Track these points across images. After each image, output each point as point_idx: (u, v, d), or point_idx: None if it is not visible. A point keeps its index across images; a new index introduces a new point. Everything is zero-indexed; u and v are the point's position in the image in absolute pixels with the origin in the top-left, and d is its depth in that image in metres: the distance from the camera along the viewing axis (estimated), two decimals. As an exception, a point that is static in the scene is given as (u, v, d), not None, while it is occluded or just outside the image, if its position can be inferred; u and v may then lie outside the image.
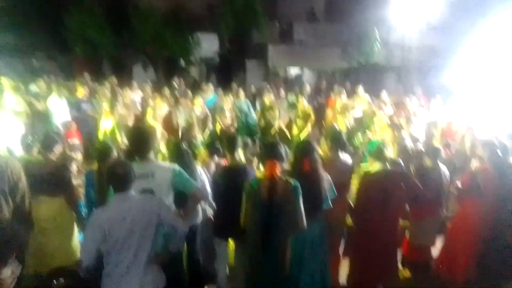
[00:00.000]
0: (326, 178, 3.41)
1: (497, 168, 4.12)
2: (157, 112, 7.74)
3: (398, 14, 15.70)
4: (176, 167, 3.06)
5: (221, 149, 4.24)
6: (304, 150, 3.42)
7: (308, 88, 10.16)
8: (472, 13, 12.89)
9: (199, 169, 3.87)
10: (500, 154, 4.17)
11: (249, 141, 4.84)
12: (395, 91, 10.59)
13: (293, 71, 21.14)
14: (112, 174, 2.64)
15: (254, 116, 8.95)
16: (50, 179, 3.65)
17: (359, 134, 7.57)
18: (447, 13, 14.83)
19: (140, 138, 3.09)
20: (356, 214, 4.04)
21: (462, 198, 4.42)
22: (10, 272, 2.69)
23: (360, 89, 9.07)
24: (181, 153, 3.70)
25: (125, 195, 2.62)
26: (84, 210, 3.82)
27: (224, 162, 4.17)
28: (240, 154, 4.97)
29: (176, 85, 10.69)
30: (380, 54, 17.30)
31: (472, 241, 4.23)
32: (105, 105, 7.43)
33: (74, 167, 4.53)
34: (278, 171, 3.08)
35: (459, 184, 4.40)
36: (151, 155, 3.10)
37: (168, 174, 2.99)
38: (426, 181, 4.15)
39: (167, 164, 3.13)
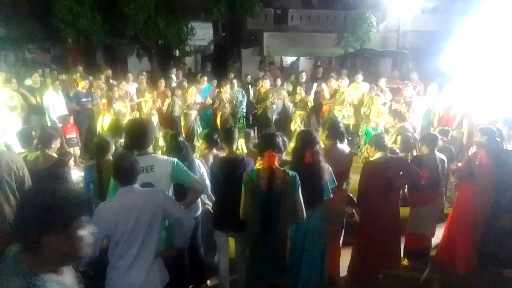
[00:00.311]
0: (327, 168, 3.42)
1: (493, 154, 4.15)
2: (155, 104, 7.72)
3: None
4: (175, 160, 3.06)
5: (219, 141, 4.23)
6: (305, 140, 3.41)
7: (304, 76, 10.13)
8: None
9: (197, 161, 3.87)
10: (497, 139, 4.19)
11: (251, 132, 4.84)
12: (391, 77, 10.53)
13: (289, 58, 21.02)
14: (118, 167, 2.63)
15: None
16: (47, 174, 3.64)
17: (360, 122, 7.60)
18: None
19: (138, 132, 3.07)
20: (359, 203, 4.09)
21: (459, 185, 4.47)
22: None
23: (359, 76, 9.03)
24: (178, 145, 3.69)
25: (130, 189, 2.61)
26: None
27: (223, 154, 4.17)
28: (242, 146, 4.98)
29: (174, 77, 10.60)
30: (376, 40, 17.20)
31: (471, 228, 4.29)
32: (102, 99, 7.38)
33: (71, 163, 4.50)
34: (276, 162, 3.09)
35: (456, 170, 4.44)
36: (150, 148, 3.09)
37: (167, 167, 2.98)
38: (423, 169, 4.19)
39: (165, 157, 3.11)
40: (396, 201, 4.06)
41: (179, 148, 3.66)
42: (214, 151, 4.27)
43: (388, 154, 4.04)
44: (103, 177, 3.51)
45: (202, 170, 3.83)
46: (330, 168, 3.48)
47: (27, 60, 16.87)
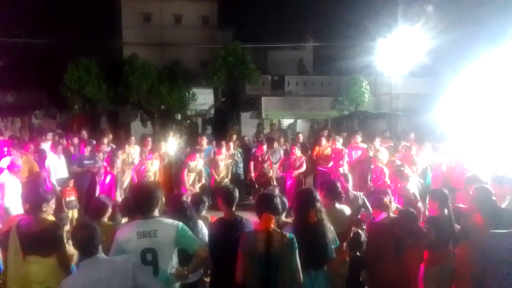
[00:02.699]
0: (329, 227, 3.38)
1: (485, 213, 4.09)
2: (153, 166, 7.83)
3: (384, 63, 16.54)
4: (180, 224, 2.97)
5: (207, 202, 4.22)
6: (307, 200, 3.38)
7: (301, 137, 10.43)
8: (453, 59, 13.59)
9: (200, 222, 3.83)
10: (489, 199, 4.17)
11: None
12: (383, 137, 10.77)
13: (287, 120, 21.67)
14: (76, 237, 2.53)
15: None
16: (41, 238, 3.60)
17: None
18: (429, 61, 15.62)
19: (143, 195, 2.99)
20: (369, 265, 3.94)
21: (458, 243, 4.36)
22: None
23: (358, 137, 9.26)
24: (182, 206, 3.68)
25: (94, 260, 2.50)
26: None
27: (211, 217, 4.14)
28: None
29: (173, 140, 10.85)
30: (370, 102, 17.91)
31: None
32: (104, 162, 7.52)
33: (67, 227, 4.47)
34: (273, 225, 3.05)
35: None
36: (156, 212, 3.01)
37: (171, 231, 2.89)
38: (438, 227, 4.00)
39: (170, 221, 3.00)
40: (409, 261, 3.85)
41: (183, 208, 3.65)
42: (202, 214, 4.18)
43: (391, 214, 3.97)
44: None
45: (205, 231, 3.77)
46: (332, 227, 3.44)
47: (34, 125, 17.37)
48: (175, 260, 2.99)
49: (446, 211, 4.15)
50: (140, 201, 3.00)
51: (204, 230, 3.74)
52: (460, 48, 14.68)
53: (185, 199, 3.81)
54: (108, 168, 7.32)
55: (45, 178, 7.28)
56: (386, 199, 4.09)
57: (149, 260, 2.81)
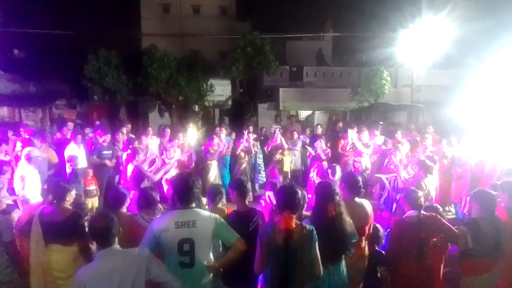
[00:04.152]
0: (349, 221, 3.31)
1: None
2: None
3: (406, 54, 16.08)
4: (217, 216, 2.97)
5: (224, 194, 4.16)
6: (326, 194, 3.31)
7: (320, 129, 10.31)
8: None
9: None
10: None
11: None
12: (408, 129, 10.54)
13: (304, 112, 21.47)
14: (94, 227, 2.51)
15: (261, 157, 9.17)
16: (63, 227, 3.67)
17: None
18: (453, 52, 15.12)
19: (183, 186, 2.99)
20: (389, 262, 3.82)
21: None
22: None
23: (378, 130, 9.13)
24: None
25: (110, 251, 2.49)
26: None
27: (226, 209, 4.09)
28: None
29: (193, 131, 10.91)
30: (390, 94, 17.51)
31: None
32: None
33: (88, 215, 4.54)
34: (293, 224, 2.95)
35: None
36: (194, 203, 3.00)
37: (210, 223, 2.90)
38: (477, 232, 3.62)
39: (208, 213, 3.02)
40: (432, 262, 3.67)
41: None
42: (219, 206, 4.12)
43: (422, 212, 3.66)
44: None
45: None
46: (352, 222, 3.37)
47: (54, 116, 17.77)
48: (211, 252, 2.99)
49: (489, 215, 3.70)
50: (180, 191, 2.99)
51: None
52: (486, 38, 14.15)
53: (197, 190, 3.75)
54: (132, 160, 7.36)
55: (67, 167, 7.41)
56: (421, 198, 3.81)
57: (186, 251, 2.81)
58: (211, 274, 3.01)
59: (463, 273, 3.84)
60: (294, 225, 2.96)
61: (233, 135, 9.65)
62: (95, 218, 2.59)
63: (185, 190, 2.96)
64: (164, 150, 7.97)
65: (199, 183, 3.07)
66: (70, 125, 9.45)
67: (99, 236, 2.51)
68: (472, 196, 4.00)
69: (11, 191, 5.76)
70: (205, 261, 2.87)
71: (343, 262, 3.32)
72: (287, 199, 3.04)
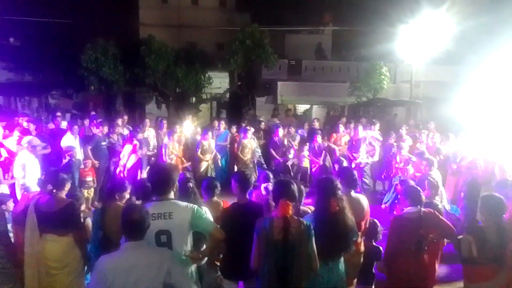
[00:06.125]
0: (350, 217, 3.29)
1: None
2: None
3: (406, 49, 16.03)
4: (195, 207, 2.94)
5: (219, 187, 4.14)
6: (328, 188, 3.28)
7: (317, 123, 10.27)
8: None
9: (204, 208, 3.79)
10: None
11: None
12: (408, 125, 10.53)
13: (302, 106, 21.40)
14: (127, 219, 2.44)
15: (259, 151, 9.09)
16: (58, 217, 3.63)
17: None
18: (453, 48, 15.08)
19: (159, 176, 2.95)
20: (387, 259, 3.80)
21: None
22: None
23: (376, 126, 9.09)
24: (187, 191, 3.64)
25: (137, 245, 2.44)
26: (93, 251, 3.75)
27: (223, 202, 4.06)
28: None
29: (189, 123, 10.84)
30: (389, 89, 17.48)
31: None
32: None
33: (83, 206, 4.51)
34: (290, 211, 2.98)
35: None
36: (171, 194, 2.96)
37: (186, 214, 2.85)
38: (482, 240, 3.48)
39: (185, 203, 2.96)
40: (430, 259, 3.67)
41: (187, 194, 3.62)
42: (214, 199, 4.09)
43: (422, 209, 3.63)
44: (111, 224, 3.47)
45: (209, 217, 3.74)
46: (353, 218, 3.33)
47: (50, 105, 17.62)
48: (190, 243, 2.95)
49: (496, 222, 3.54)
50: (156, 182, 2.95)
51: (208, 216, 3.69)
52: (486, 34, 14.10)
53: (191, 184, 3.74)
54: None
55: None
56: (424, 194, 3.80)
57: (163, 242, 2.78)
58: (194, 265, 2.99)
59: (466, 279, 3.72)
60: (291, 212, 2.96)
61: (234, 129, 9.58)
62: (129, 210, 2.52)
63: (160, 181, 2.93)
64: (163, 147, 7.95)
65: (176, 173, 3.04)
66: (66, 115, 9.37)
67: (132, 229, 2.44)
68: (480, 201, 3.86)
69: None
70: (183, 252, 2.83)
71: (342, 258, 3.32)
72: (284, 189, 3.09)
